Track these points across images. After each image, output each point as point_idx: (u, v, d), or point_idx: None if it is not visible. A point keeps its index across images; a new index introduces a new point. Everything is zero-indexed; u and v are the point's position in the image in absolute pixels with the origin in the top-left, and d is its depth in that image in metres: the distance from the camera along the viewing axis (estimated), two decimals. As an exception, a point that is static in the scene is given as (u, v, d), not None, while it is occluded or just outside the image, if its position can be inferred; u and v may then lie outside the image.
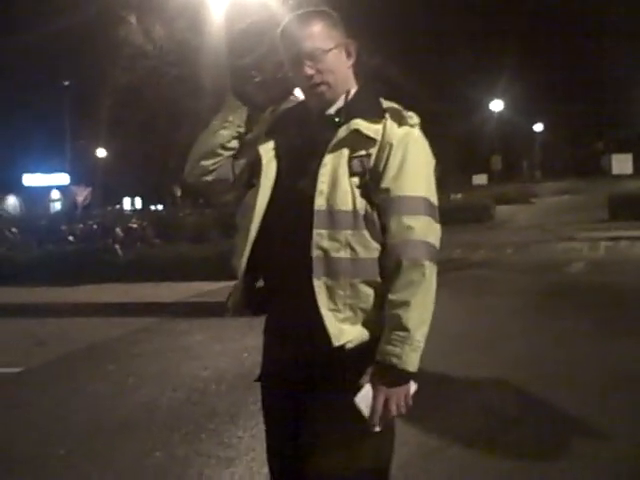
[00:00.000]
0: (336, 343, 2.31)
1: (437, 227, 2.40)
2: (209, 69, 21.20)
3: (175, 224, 17.56)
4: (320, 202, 2.35)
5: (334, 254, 2.33)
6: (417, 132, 2.44)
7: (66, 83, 41.42)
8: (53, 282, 13.03)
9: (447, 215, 2.44)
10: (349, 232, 2.34)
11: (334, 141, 2.37)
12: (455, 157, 42.93)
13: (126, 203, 52.41)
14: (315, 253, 2.34)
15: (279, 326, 2.50)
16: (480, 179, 52.18)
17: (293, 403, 2.46)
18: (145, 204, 48.90)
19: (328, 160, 2.37)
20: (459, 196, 29.71)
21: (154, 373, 7.22)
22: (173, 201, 36.24)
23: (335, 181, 2.35)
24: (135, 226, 16.19)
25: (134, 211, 34.90)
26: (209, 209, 19.71)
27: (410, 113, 2.45)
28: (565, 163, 71.28)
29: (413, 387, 2.37)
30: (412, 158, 2.38)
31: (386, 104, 2.47)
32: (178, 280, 12.41)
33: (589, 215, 22.92)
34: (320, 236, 2.34)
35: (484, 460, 4.53)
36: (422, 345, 2.34)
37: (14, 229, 17.86)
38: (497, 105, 54.24)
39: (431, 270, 2.34)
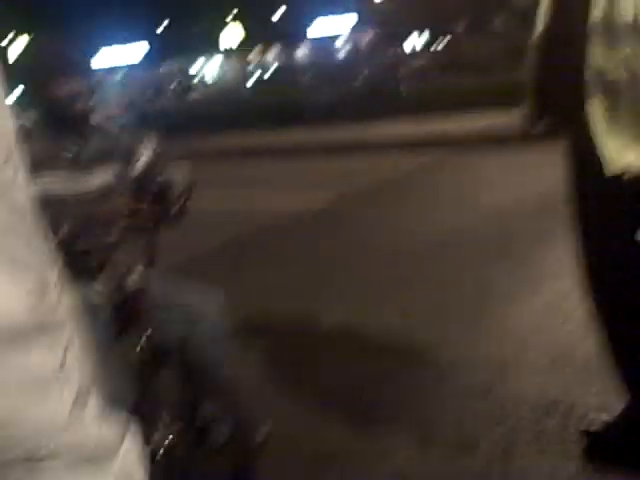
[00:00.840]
0: (612, 168, 2.17)
1: None
2: None
3: (462, 55, 17.25)
4: (596, 14, 2.09)
5: (611, 74, 2.11)
6: None
7: None
8: (344, 120, 13.52)
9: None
10: (628, 50, 2.06)
11: None
12: None
13: (413, 38, 51.78)
14: (590, 72, 2.14)
15: (570, 147, 2.40)
16: None
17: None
18: (432, 37, 48.06)
19: None
20: None
21: (453, 203, 7.47)
22: (458, 33, 35.23)
23: None
24: (423, 63, 16.17)
25: (424, 46, 34.47)
26: (496, 36, 19.06)
27: None
28: None
29: None
30: None
31: None
32: (469, 112, 12.32)
33: None
34: (596, 53, 2.12)
35: None
36: None
37: (307, 73, 18.60)
38: None
39: None
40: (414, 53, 19.61)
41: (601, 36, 2.09)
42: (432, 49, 20.94)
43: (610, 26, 2.07)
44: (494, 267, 5.20)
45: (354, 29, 42.10)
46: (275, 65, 18.97)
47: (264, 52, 34.15)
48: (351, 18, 49.01)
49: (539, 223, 5.97)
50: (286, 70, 18.60)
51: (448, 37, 38.87)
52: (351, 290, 5.16)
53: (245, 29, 41.02)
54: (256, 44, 37.39)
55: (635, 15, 2.02)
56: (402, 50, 29.78)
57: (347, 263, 5.86)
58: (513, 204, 6.86)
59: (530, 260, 5.26)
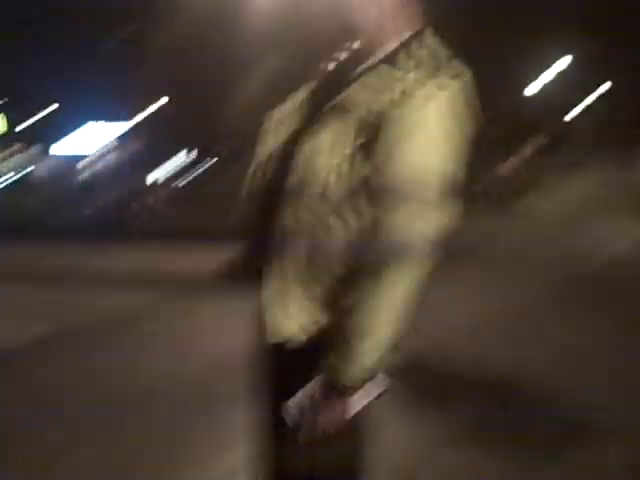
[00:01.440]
0: (275, 337, 2.12)
1: (432, 215, 1.99)
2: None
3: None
4: (293, 179, 2.13)
5: (294, 232, 2.08)
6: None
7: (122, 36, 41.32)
8: (68, 247, 13.12)
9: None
10: (313, 216, 2.07)
11: None
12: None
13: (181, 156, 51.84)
14: (278, 232, 2.11)
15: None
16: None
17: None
18: (200, 157, 48.48)
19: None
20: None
21: (156, 353, 7.18)
22: (227, 153, 35.86)
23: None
24: (159, 197, 16.08)
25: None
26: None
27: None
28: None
29: (373, 392, 2.07)
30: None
31: None
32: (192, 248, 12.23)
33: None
34: (287, 215, 2.10)
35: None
36: (369, 358, 2.00)
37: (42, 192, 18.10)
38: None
39: (399, 272, 1.96)
40: (155, 185, 19.51)
41: (294, 199, 2.10)
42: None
43: (303, 192, 2.09)
44: (187, 426, 5.04)
45: (121, 139, 41.85)
46: (13, 176, 18.21)
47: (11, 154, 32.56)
48: (121, 127, 48.88)
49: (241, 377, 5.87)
50: (23, 183, 18.04)
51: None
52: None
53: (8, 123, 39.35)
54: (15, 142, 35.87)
55: (324, 186, 2.05)
56: (143, 181, 29.21)
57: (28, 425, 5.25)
58: (224, 354, 6.60)
59: (224, 419, 5.03)
